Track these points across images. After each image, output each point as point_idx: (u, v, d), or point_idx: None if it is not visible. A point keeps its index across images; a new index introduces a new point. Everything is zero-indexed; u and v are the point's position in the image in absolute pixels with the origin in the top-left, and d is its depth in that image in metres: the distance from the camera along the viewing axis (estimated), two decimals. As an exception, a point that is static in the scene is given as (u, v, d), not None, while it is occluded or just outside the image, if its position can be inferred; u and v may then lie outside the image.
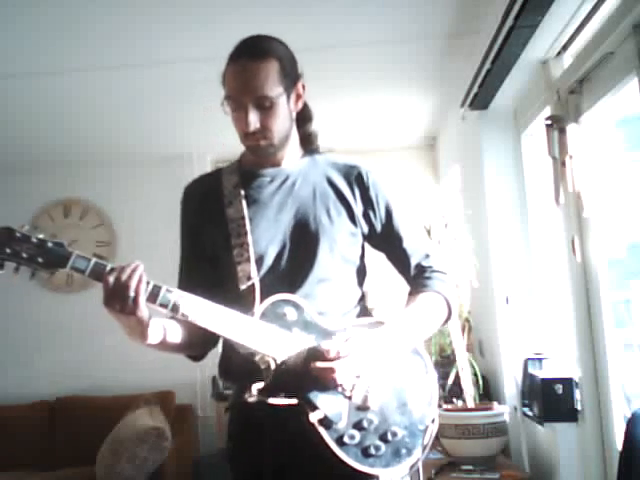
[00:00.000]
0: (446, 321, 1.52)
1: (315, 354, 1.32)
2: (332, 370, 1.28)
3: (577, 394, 2.43)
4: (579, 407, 2.43)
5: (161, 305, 1.30)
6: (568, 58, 2.50)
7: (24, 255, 1.25)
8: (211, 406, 4.45)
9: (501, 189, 3.12)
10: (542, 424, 2.53)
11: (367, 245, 1.55)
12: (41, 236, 1.26)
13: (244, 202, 1.47)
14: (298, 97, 1.47)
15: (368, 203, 1.50)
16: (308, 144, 1.55)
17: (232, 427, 1.51)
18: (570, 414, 2.44)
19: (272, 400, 1.31)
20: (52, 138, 4.20)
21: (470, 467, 2.70)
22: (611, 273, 2.33)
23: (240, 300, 1.38)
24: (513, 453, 3.00)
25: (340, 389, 1.32)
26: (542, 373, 2.60)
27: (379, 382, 1.37)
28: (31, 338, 4.57)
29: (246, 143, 1.46)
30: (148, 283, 1.29)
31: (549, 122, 2.41)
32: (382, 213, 1.51)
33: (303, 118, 1.53)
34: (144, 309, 1.28)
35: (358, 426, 1.34)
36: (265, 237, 1.44)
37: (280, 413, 1.32)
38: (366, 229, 1.50)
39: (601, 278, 2.31)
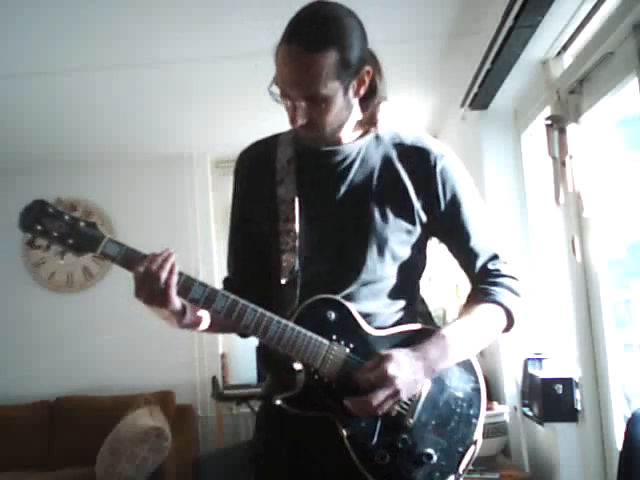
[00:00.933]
0: (506, 331, 1.38)
1: (350, 370, 1.23)
2: (371, 404, 1.18)
3: (577, 394, 2.43)
4: (579, 407, 2.43)
5: (192, 300, 1.24)
6: (568, 58, 2.50)
7: (55, 234, 1.19)
8: (211, 406, 4.46)
9: (501, 189, 3.12)
10: (542, 424, 2.53)
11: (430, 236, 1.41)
12: (75, 214, 1.20)
13: (296, 182, 1.34)
14: (361, 83, 1.28)
15: (432, 194, 1.33)
16: (371, 119, 1.37)
17: (259, 418, 1.44)
18: (570, 414, 2.44)
19: (299, 411, 1.25)
20: (52, 138, 4.19)
21: (470, 467, 2.70)
22: (611, 273, 2.33)
23: (281, 293, 1.31)
24: (513, 453, 2.99)
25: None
26: (542, 373, 2.60)
27: (419, 400, 1.27)
28: (31, 338, 4.57)
29: (298, 131, 1.32)
30: (181, 274, 1.22)
31: (549, 122, 2.41)
32: (448, 204, 1.34)
33: (369, 93, 1.34)
34: (175, 301, 1.23)
35: (390, 446, 1.25)
36: (312, 227, 1.32)
37: (307, 422, 1.26)
38: (427, 223, 1.34)
39: (601, 278, 2.31)
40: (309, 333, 1.24)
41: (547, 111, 2.57)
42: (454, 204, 1.35)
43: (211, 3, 2.61)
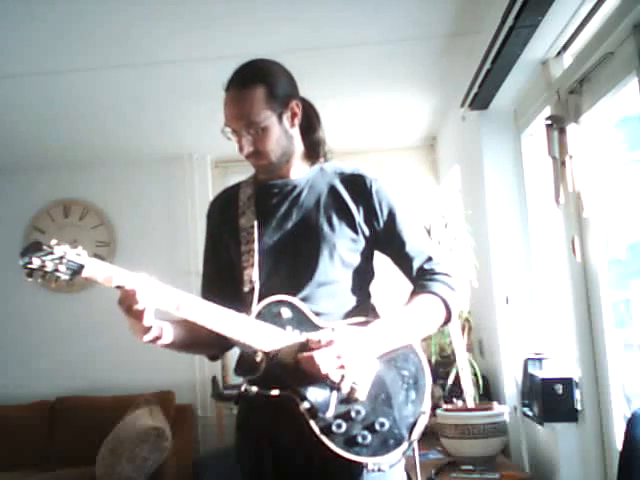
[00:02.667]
0: (445, 322, 1.56)
1: (303, 347, 1.40)
2: (315, 358, 1.35)
3: (577, 394, 2.43)
4: (579, 407, 2.43)
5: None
6: (568, 58, 2.50)
7: (48, 268, 1.36)
8: (211, 406, 4.46)
9: (501, 189, 3.12)
10: (542, 424, 2.53)
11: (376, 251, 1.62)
12: (65, 249, 1.35)
13: (254, 212, 1.59)
14: (294, 115, 1.54)
15: (371, 210, 1.56)
16: (314, 153, 1.63)
17: (237, 417, 1.63)
18: (570, 414, 2.44)
19: (261, 391, 1.41)
20: (52, 138, 4.20)
21: (470, 467, 2.70)
22: (611, 273, 2.33)
23: (243, 302, 1.49)
24: (513, 453, 3.00)
25: (328, 381, 1.39)
26: (542, 373, 2.60)
27: (367, 375, 1.44)
28: (31, 338, 4.57)
29: (250, 162, 1.57)
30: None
31: (549, 122, 2.41)
32: (385, 219, 1.57)
33: (307, 129, 1.61)
34: (148, 323, 1.42)
35: (345, 416, 1.41)
36: (269, 244, 1.55)
37: (274, 403, 1.41)
38: (369, 235, 1.57)
39: (601, 278, 2.32)
40: (267, 325, 1.43)
41: (547, 111, 2.57)
42: (390, 218, 1.57)
43: (212, 4, 2.61)
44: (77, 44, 2.87)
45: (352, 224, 1.55)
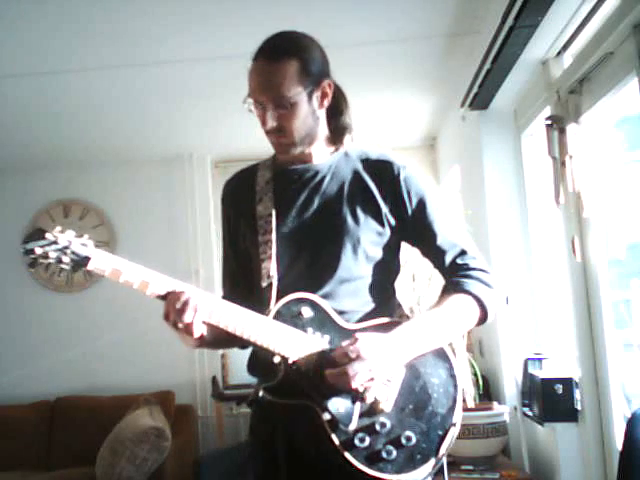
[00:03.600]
0: (481, 322, 1.43)
1: (326, 357, 1.31)
2: (342, 376, 1.25)
3: (577, 394, 2.43)
4: (579, 407, 2.43)
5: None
6: (568, 58, 2.50)
7: (52, 257, 1.30)
8: (211, 406, 4.46)
9: (501, 189, 3.12)
10: (542, 424, 2.53)
11: (403, 242, 1.51)
12: (70, 237, 1.31)
13: (273, 199, 1.47)
14: (324, 95, 1.44)
15: (398, 200, 1.45)
16: (339, 138, 1.52)
17: (251, 421, 1.52)
18: (570, 414, 2.45)
19: (278, 400, 1.33)
20: (52, 138, 4.20)
21: (470, 467, 2.70)
22: (611, 273, 2.33)
23: (261, 298, 1.41)
24: (513, 453, 3.00)
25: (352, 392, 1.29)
26: (542, 373, 2.60)
27: (394, 384, 1.33)
28: (31, 338, 4.57)
29: (270, 141, 1.46)
30: None
31: (549, 122, 2.41)
32: (414, 209, 1.45)
33: (334, 112, 1.50)
34: (198, 331, 1.33)
35: (369, 429, 1.31)
36: (287, 235, 1.44)
37: (291, 412, 1.34)
38: (396, 226, 1.45)
39: (601, 278, 2.32)
40: (285, 326, 1.34)
41: (547, 111, 2.57)
42: (420, 208, 1.45)
43: (211, 3, 2.61)
44: (77, 44, 2.87)
45: (378, 216, 1.44)
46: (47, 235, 1.31)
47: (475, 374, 3.00)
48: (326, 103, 1.45)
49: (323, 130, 1.49)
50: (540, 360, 2.76)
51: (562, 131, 2.36)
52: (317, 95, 1.42)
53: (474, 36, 2.88)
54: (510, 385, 3.02)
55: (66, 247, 1.30)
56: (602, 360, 2.31)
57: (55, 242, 1.30)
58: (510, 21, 2.22)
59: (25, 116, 3.74)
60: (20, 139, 4.14)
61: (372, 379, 1.27)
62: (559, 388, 2.44)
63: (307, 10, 2.72)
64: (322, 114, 1.46)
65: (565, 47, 2.48)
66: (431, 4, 2.71)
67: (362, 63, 3.28)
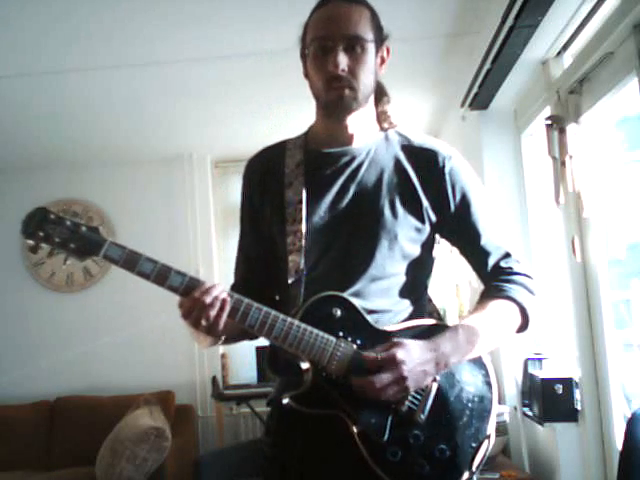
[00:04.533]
0: (521, 329, 1.35)
1: (357, 364, 1.21)
2: (374, 385, 1.17)
3: (577, 394, 2.43)
4: (579, 407, 2.43)
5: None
6: (568, 58, 2.50)
7: (56, 239, 1.18)
8: (211, 406, 4.46)
9: (501, 189, 3.12)
10: (542, 424, 2.53)
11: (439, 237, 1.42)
12: (76, 220, 1.21)
13: (304, 184, 1.35)
14: (383, 60, 1.38)
15: (441, 194, 1.34)
16: (382, 121, 1.43)
17: (270, 423, 1.41)
18: (570, 414, 2.44)
19: (305, 409, 1.24)
20: (52, 138, 4.20)
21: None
22: (611, 273, 2.33)
23: (287, 293, 1.31)
24: (513, 453, 2.99)
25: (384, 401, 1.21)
26: (542, 373, 2.60)
27: (429, 394, 1.25)
28: (31, 338, 4.57)
29: (329, 94, 1.31)
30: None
31: (549, 122, 2.41)
32: (458, 205, 1.35)
33: (380, 94, 1.42)
34: (221, 330, 1.24)
35: (401, 442, 1.22)
36: (320, 226, 1.32)
37: (319, 421, 1.25)
38: (436, 222, 1.35)
39: (601, 278, 2.32)
40: (315, 330, 1.23)
41: (547, 111, 2.57)
42: (464, 204, 1.36)
43: (211, 3, 2.61)
44: (77, 44, 2.86)
45: (418, 211, 1.32)
46: (51, 216, 1.18)
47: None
48: (384, 69, 1.38)
49: (372, 107, 1.40)
50: (540, 360, 2.75)
51: (562, 131, 2.36)
52: (380, 55, 1.36)
53: (474, 36, 2.88)
54: (510, 385, 3.02)
55: (73, 231, 1.18)
56: (602, 360, 2.31)
57: (60, 224, 1.18)
58: (510, 21, 2.22)
59: (25, 116, 3.74)
60: (20, 139, 4.14)
61: (406, 389, 1.19)
62: (559, 388, 2.44)
63: (307, 10, 2.70)
64: (377, 79, 1.38)
65: (565, 47, 2.48)
66: (431, 4, 2.71)
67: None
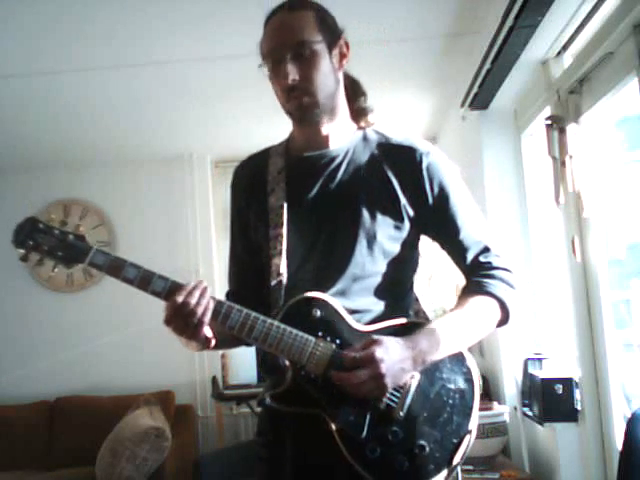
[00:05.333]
0: (501, 323, 1.38)
1: (336, 362, 1.23)
2: (352, 381, 1.19)
3: (577, 394, 2.43)
4: (579, 407, 2.43)
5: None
6: (568, 58, 2.50)
7: (45, 248, 1.23)
8: (211, 406, 4.46)
9: (501, 189, 3.12)
10: (542, 424, 2.53)
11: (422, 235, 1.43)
12: (65, 229, 1.25)
13: (285, 190, 1.38)
14: (342, 56, 1.39)
15: (419, 190, 1.35)
16: (359, 119, 1.44)
17: (259, 422, 1.45)
18: (570, 414, 2.44)
19: (285, 408, 1.27)
20: (52, 138, 4.19)
21: (470, 467, 2.70)
22: (611, 273, 2.33)
23: (270, 296, 1.33)
24: (513, 453, 3.00)
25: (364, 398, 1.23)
26: (542, 373, 2.60)
27: (409, 391, 1.26)
28: (31, 338, 4.57)
29: (289, 105, 1.35)
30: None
31: (549, 122, 2.42)
32: (436, 200, 1.36)
33: (354, 91, 1.44)
34: (206, 332, 1.26)
35: (381, 439, 1.24)
36: (301, 229, 1.35)
37: (300, 420, 1.28)
38: (415, 218, 1.36)
39: (601, 278, 2.32)
40: (294, 331, 1.25)
41: (547, 111, 2.57)
42: (442, 199, 1.37)
43: (211, 3, 2.61)
44: (77, 44, 2.86)
45: (396, 209, 1.34)
46: (41, 225, 1.24)
47: (475, 374, 2.99)
48: (344, 64, 1.39)
49: (344, 105, 1.41)
50: (540, 360, 2.75)
51: (562, 131, 2.36)
52: (336, 53, 1.37)
53: (474, 36, 2.88)
54: (510, 385, 3.02)
55: (61, 239, 1.24)
56: (602, 360, 2.31)
57: (49, 233, 1.24)
58: (510, 21, 2.21)
59: (24, 116, 3.74)
60: (20, 139, 4.14)
61: (384, 386, 1.20)
62: (559, 388, 2.44)
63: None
64: (341, 79, 1.39)
65: (565, 47, 2.48)
66: (431, 4, 2.71)
67: (362, 63, 3.26)
